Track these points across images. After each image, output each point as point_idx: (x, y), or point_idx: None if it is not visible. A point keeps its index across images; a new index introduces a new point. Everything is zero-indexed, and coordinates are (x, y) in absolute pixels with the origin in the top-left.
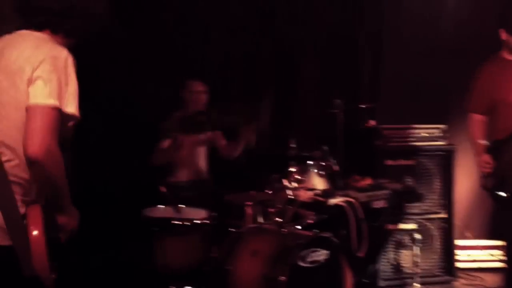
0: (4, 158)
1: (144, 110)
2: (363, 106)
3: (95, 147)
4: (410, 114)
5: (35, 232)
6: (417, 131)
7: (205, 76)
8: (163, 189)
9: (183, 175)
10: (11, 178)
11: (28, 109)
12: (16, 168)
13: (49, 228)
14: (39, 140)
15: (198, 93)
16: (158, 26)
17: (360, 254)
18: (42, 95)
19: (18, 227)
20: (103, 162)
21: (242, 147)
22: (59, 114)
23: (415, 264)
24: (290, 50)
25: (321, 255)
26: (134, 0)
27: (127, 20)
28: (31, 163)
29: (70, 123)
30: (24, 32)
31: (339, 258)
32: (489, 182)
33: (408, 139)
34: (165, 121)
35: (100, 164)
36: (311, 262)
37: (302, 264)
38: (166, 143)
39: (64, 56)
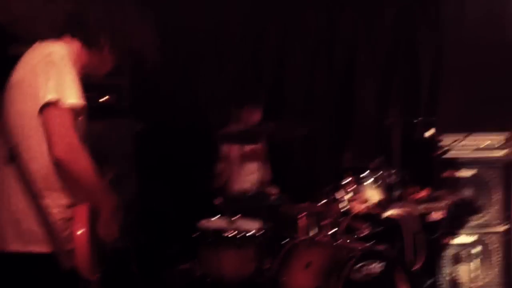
0: (33, 168)
1: (200, 121)
2: (421, 116)
3: (153, 158)
4: (470, 123)
5: (79, 232)
6: (476, 141)
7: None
8: (218, 200)
9: (237, 187)
10: (48, 186)
11: (41, 116)
12: (49, 176)
13: (96, 228)
14: (55, 140)
15: (252, 120)
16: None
17: (416, 267)
18: (44, 97)
19: (53, 233)
20: (161, 174)
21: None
22: (67, 109)
23: (474, 279)
24: (348, 59)
25: (376, 268)
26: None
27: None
28: (56, 164)
29: (80, 117)
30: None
31: (394, 271)
32: None
33: (468, 149)
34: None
35: (157, 175)
36: (365, 275)
37: (356, 276)
38: (220, 166)
39: (57, 50)
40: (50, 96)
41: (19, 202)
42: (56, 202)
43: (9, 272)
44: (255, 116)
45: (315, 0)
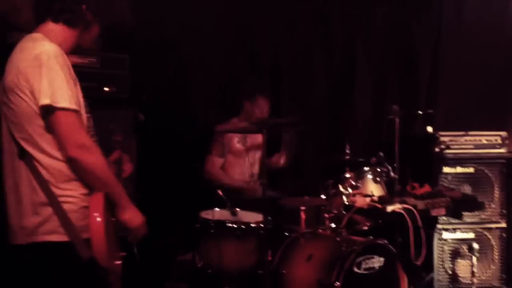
0: (45, 163)
1: (203, 113)
2: (421, 112)
3: (155, 148)
4: (469, 120)
5: (95, 221)
6: (476, 138)
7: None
8: (220, 192)
9: (239, 179)
10: (62, 178)
11: (45, 119)
12: (62, 169)
13: (114, 215)
14: (66, 142)
15: (266, 111)
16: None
17: (418, 262)
18: (40, 102)
19: (69, 223)
20: (163, 164)
21: (286, 157)
22: (71, 110)
23: (473, 274)
24: (345, 54)
25: (377, 262)
26: None
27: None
28: (70, 161)
29: (84, 114)
30: (24, 39)
31: (394, 265)
32: None
33: (467, 146)
34: (221, 124)
35: (159, 166)
36: (366, 269)
37: (357, 270)
38: (219, 160)
39: (43, 50)
40: (45, 101)
41: (34, 195)
42: (71, 192)
43: (31, 262)
44: (263, 110)
45: None
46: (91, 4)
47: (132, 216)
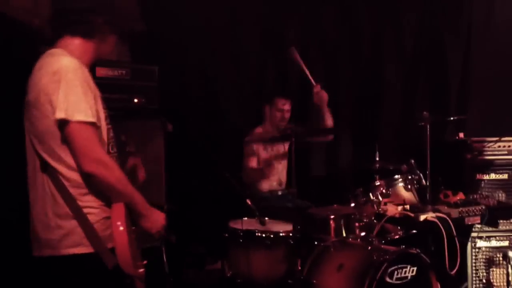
0: (67, 176)
1: (229, 123)
2: (452, 118)
3: (184, 158)
4: (501, 125)
5: (119, 228)
6: (509, 143)
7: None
8: (249, 201)
9: (266, 187)
10: (84, 190)
11: (62, 134)
12: (83, 182)
13: (134, 225)
14: (81, 157)
15: (286, 111)
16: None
17: (452, 271)
18: (56, 116)
19: (93, 233)
20: (192, 174)
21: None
22: (85, 124)
23: (508, 283)
24: (373, 60)
25: (409, 271)
26: None
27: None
28: (87, 176)
29: (103, 126)
30: (43, 55)
31: (428, 275)
32: None
33: (500, 152)
34: (247, 136)
35: (189, 175)
36: (399, 279)
37: (389, 280)
38: (253, 161)
39: (62, 65)
40: (60, 115)
41: (57, 208)
42: (92, 204)
43: (57, 275)
44: (283, 111)
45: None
46: (105, 14)
47: (154, 222)
